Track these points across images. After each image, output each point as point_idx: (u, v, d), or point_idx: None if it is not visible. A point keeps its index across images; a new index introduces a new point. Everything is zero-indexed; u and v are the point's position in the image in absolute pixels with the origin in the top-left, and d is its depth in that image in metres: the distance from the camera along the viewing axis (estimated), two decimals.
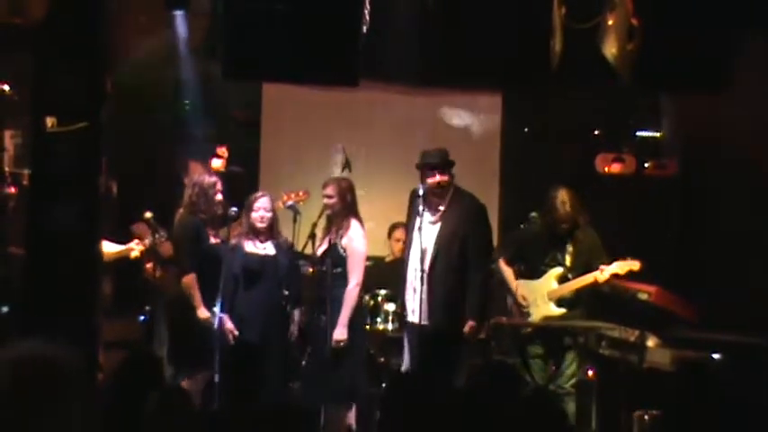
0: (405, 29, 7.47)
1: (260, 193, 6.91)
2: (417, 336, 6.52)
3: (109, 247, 6.87)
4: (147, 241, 7.01)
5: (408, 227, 6.78)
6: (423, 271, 6.48)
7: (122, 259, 7.19)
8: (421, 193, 6.52)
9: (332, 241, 6.60)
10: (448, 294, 6.48)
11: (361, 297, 6.74)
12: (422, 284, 6.48)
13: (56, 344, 2.30)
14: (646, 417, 5.85)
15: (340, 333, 6.47)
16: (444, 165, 6.61)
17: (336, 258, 6.58)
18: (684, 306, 6.88)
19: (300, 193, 7.07)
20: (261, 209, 6.74)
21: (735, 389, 4.18)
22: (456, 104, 9.68)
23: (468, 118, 9.73)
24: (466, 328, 6.40)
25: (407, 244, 6.75)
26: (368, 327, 7.14)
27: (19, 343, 2.27)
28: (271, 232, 6.78)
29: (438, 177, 6.56)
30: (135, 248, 7.01)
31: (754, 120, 7.33)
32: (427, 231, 6.54)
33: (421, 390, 4.00)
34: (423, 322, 6.48)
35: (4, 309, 6.08)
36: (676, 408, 4.16)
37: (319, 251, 6.68)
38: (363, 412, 6.59)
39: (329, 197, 6.65)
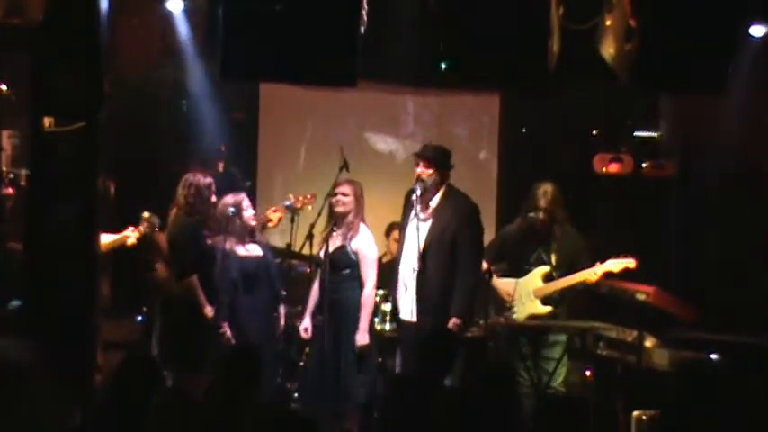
0: (403, 29, 7.46)
1: (241, 195, 6.91)
2: (408, 333, 6.56)
3: (105, 238, 6.87)
4: (141, 228, 6.95)
5: (402, 225, 6.81)
6: (414, 269, 6.48)
7: (123, 258, 7.17)
8: (419, 192, 6.52)
9: (340, 243, 6.61)
10: (436, 292, 6.44)
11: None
12: (413, 282, 6.48)
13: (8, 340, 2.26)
14: (644, 417, 5.85)
15: (362, 338, 6.52)
16: (429, 158, 6.58)
17: (346, 260, 6.60)
18: (682, 306, 6.89)
19: (309, 197, 7.06)
20: (249, 207, 6.78)
21: (734, 389, 4.18)
22: (454, 104, 9.69)
23: (466, 118, 9.74)
24: (450, 325, 6.39)
25: (400, 242, 6.77)
26: None
27: None
28: (255, 232, 6.83)
29: (420, 169, 6.54)
30: (131, 236, 6.97)
31: (753, 120, 7.34)
32: (419, 228, 6.52)
33: (418, 390, 4.00)
34: (413, 320, 6.48)
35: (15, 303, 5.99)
36: (675, 408, 4.16)
37: (322, 252, 6.66)
38: (370, 414, 6.56)
39: (344, 195, 6.66)
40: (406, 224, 6.64)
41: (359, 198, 6.67)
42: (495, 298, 6.80)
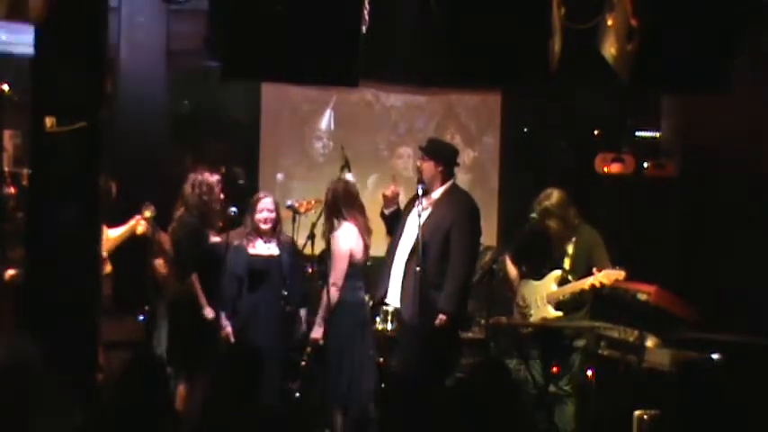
0: (405, 29, 7.48)
1: (263, 194, 6.93)
2: (401, 325, 6.61)
3: (115, 232, 6.90)
4: (148, 213, 6.97)
5: (402, 217, 6.78)
6: (408, 261, 6.48)
7: (123, 257, 7.18)
8: (420, 192, 6.53)
9: (326, 245, 6.67)
10: (427, 284, 6.42)
11: (364, 298, 6.77)
12: (404, 274, 6.48)
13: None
14: (645, 417, 5.86)
15: (315, 331, 6.56)
16: (428, 150, 6.64)
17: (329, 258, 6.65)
18: (683, 306, 6.90)
19: (312, 202, 7.09)
20: (264, 210, 6.76)
21: (734, 389, 4.18)
22: (455, 104, 9.70)
23: (467, 118, 9.75)
24: (437, 321, 6.39)
25: (397, 234, 6.71)
26: None
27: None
28: (274, 232, 6.79)
29: (418, 162, 6.67)
30: (140, 224, 6.99)
31: (753, 120, 7.34)
32: (416, 220, 6.50)
33: (417, 390, 4.01)
34: (405, 312, 6.49)
35: None
36: (676, 408, 4.16)
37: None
38: (361, 413, 6.55)
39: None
40: (406, 217, 6.65)
41: (325, 198, 6.67)
42: (518, 299, 6.84)
